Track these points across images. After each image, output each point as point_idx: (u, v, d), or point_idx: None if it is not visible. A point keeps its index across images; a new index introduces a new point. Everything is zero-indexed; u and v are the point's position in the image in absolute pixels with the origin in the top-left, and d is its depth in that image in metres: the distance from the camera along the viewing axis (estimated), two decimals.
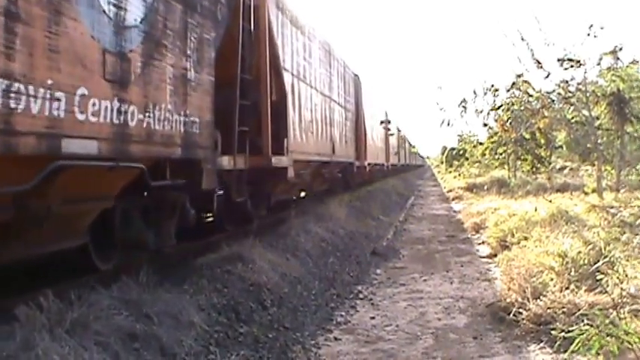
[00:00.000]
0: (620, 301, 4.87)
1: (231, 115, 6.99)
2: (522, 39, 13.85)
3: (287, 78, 9.40)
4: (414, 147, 60.86)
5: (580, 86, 14.35)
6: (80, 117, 3.97)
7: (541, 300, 5.59)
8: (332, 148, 13.69)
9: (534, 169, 20.71)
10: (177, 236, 6.20)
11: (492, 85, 17.21)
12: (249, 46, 7.61)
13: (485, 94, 17.32)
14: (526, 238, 9.05)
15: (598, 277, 5.70)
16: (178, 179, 5.66)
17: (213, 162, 6.20)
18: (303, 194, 13.53)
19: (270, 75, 8.42)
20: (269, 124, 8.22)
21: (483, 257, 10.12)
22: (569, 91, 14.53)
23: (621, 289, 5.10)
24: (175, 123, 5.25)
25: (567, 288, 5.81)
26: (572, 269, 6.32)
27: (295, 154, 9.61)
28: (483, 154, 24.18)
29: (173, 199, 5.98)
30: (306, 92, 11.09)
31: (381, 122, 25.82)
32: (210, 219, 8.17)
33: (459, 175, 36.81)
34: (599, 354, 4.20)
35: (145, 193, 5.63)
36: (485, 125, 19.54)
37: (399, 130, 38.96)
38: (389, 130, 28.86)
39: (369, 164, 20.65)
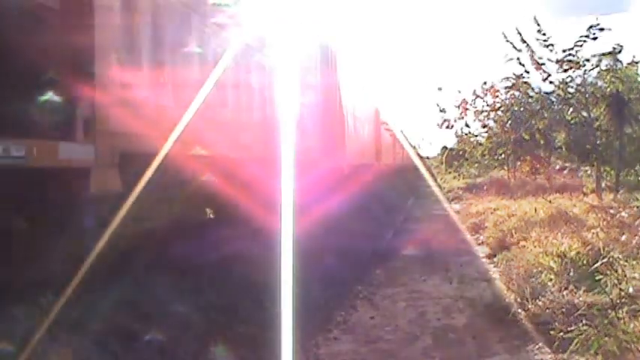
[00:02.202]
0: (618, 301, 4.88)
1: None
2: (522, 40, 13.91)
3: None
4: (414, 147, 60.65)
5: (579, 87, 14.39)
6: None
7: (540, 300, 5.60)
8: (264, 134, 8.02)
9: (533, 170, 20.74)
10: None
11: (492, 86, 17.31)
12: None
13: (485, 94, 17.42)
14: (525, 239, 9.05)
15: (597, 278, 5.71)
16: None
17: None
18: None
19: None
20: None
21: (482, 257, 10.12)
22: (569, 92, 14.57)
23: (620, 289, 5.10)
24: None
25: (566, 288, 5.82)
26: (571, 269, 6.34)
27: (125, 140, 4.52)
28: (483, 155, 24.19)
29: None
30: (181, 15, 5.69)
31: (371, 111, 23.79)
32: None
33: (459, 175, 36.87)
34: (597, 354, 4.21)
35: None
36: (484, 126, 19.65)
37: (396, 126, 37.45)
38: (384, 124, 27.28)
39: (349, 165, 15.16)
